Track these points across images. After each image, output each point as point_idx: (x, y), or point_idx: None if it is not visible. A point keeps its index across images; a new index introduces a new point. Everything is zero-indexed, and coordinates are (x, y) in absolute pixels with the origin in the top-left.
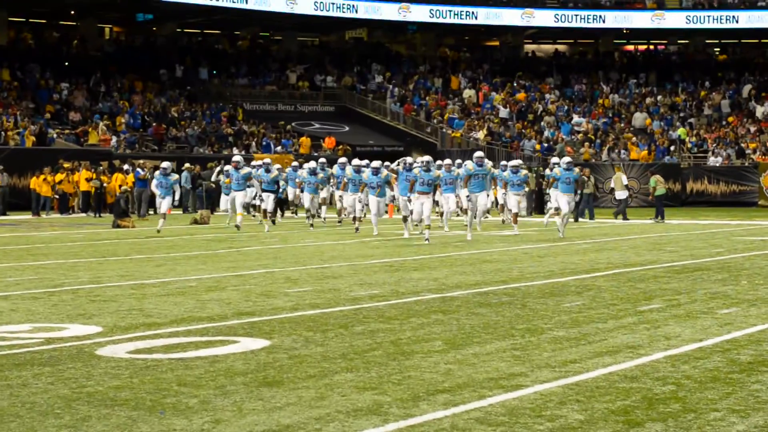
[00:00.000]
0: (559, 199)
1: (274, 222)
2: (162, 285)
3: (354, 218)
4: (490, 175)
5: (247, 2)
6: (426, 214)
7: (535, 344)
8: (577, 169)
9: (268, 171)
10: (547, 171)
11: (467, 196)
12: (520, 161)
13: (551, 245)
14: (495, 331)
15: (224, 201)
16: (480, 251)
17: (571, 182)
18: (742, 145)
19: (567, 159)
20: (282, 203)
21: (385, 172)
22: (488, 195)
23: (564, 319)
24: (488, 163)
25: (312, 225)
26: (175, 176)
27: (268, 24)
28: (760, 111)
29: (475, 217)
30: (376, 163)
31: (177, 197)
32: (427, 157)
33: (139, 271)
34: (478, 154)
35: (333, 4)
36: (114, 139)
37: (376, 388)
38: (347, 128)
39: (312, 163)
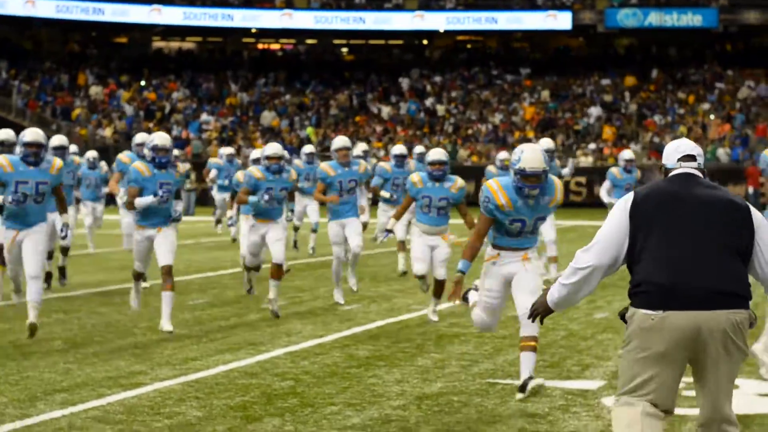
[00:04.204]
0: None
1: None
2: None
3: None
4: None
5: None
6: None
7: (156, 342)
8: None
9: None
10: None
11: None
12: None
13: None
14: (116, 329)
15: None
16: (103, 250)
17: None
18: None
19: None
20: None
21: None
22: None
23: (187, 318)
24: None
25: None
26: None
27: None
28: (385, 111)
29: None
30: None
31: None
32: (271, 149)
33: None
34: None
35: None
36: None
37: None
38: None
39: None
